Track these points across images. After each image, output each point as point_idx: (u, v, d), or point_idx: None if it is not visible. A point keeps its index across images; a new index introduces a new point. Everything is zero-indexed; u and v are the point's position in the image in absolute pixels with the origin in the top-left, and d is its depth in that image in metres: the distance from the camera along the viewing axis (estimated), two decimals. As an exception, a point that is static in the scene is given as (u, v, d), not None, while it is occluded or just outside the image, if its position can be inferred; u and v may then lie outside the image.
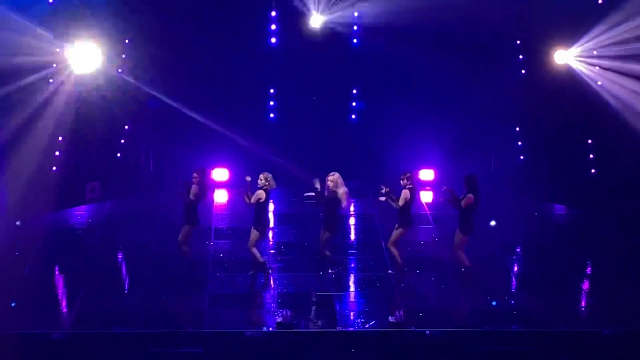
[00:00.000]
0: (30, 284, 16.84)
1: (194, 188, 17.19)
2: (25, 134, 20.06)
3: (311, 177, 17.63)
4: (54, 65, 20.23)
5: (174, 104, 22.54)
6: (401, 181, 17.06)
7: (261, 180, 16.95)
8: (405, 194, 16.95)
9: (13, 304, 15.78)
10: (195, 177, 17.28)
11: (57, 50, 20.16)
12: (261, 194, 16.88)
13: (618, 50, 20.68)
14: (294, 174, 22.15)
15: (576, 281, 17.38)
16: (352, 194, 17.80)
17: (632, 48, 20.41)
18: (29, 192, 20.50)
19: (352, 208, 21.63)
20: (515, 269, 18.29)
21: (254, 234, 17.05)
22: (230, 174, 23.35)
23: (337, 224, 17.49)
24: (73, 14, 20.35)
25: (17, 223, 19.49)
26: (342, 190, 17.13)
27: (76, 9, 20.42)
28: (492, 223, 18.70)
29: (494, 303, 16.21)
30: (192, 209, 17.31)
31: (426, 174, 23.30)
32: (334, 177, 17.18)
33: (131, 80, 21.70)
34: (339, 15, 22.83)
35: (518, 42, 22.60)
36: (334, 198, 17.11)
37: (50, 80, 20.27)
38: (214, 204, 22.02)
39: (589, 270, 18.20)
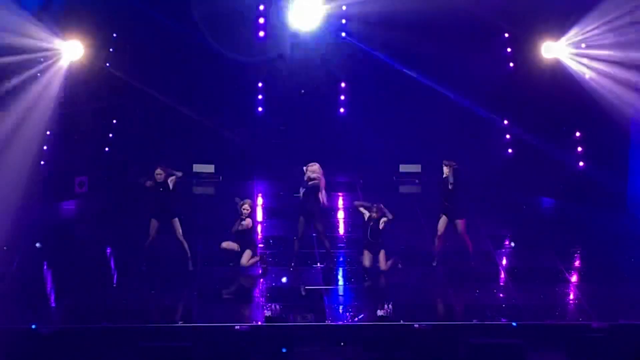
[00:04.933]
0: (18, 278, 16.80)
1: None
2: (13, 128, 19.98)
3: (299, 170, 17.60)
4: (42, 60, 20.13)
5: (160, 98, 22.53)
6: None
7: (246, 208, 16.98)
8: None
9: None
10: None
11: (47, 44, 20.06)
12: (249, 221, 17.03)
13: (608, 39, 20.50)
14: (282, 168, 22.15)
15: (565, 274, 17.43)
16: (340, 187, 17.81)
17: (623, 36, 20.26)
18: (16, 186, 20.46)
19: (340, 202, 21.63)
20: (504, 262, 18.31)
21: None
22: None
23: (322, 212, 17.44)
24: (63, 7, 20.28)
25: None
26: (322, 181, 17.15)
27: (66, 2, 20.38)
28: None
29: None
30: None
31: (413, 168, 23.23)
32: (315, 167, 17.15)
33: (119, 74, 21.67)
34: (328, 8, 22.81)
35: (506, 35, 22.59)
36: (315, 187, 17.07)
37: (39, 75, 20.19)
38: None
39: (577, 263, 18.24)
